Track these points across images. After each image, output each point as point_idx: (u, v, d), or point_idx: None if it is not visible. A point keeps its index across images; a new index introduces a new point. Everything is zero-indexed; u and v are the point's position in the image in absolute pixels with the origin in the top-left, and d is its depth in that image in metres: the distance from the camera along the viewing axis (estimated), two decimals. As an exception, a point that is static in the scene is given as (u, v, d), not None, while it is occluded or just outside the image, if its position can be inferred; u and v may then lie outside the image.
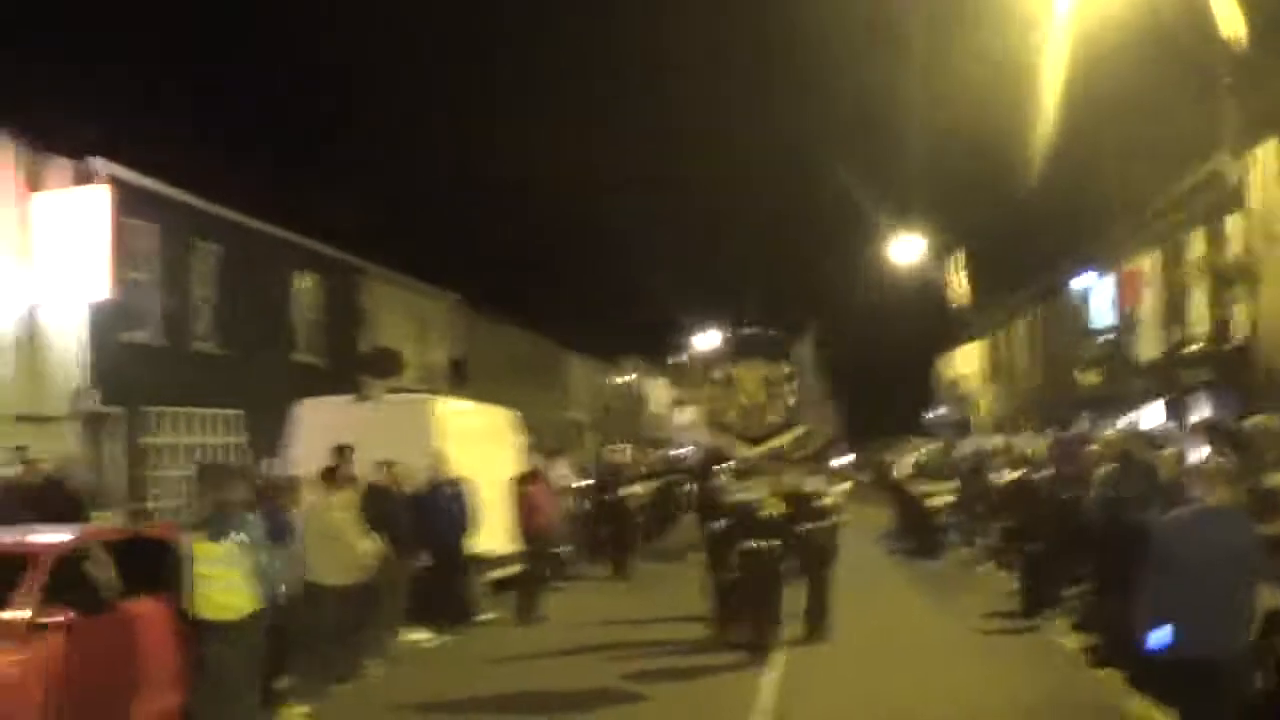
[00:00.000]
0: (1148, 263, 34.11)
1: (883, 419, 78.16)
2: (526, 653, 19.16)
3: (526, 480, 22.89)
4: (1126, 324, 34.49)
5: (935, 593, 25.21)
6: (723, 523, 19.11)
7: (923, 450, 37.14)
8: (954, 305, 58.92)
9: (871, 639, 19.78)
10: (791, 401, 19.50)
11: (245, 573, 12.69)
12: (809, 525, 19.29)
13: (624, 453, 31.38)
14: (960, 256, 57.28)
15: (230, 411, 31.36)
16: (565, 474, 29.47)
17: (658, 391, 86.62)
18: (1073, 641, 18.53)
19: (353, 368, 37.78)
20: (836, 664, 17.95)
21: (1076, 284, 38.35)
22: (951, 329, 67.12)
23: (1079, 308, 38.66)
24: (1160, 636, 10.09)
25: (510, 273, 57.29)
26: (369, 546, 17.39)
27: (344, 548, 16.86)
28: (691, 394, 22.84)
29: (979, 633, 20.15)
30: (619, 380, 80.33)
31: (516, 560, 23.69)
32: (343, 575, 16.77)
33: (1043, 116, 33.32)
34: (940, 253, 58.28)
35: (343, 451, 19.02)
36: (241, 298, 32.24)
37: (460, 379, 46.49)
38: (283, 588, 13.46)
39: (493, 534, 22.33)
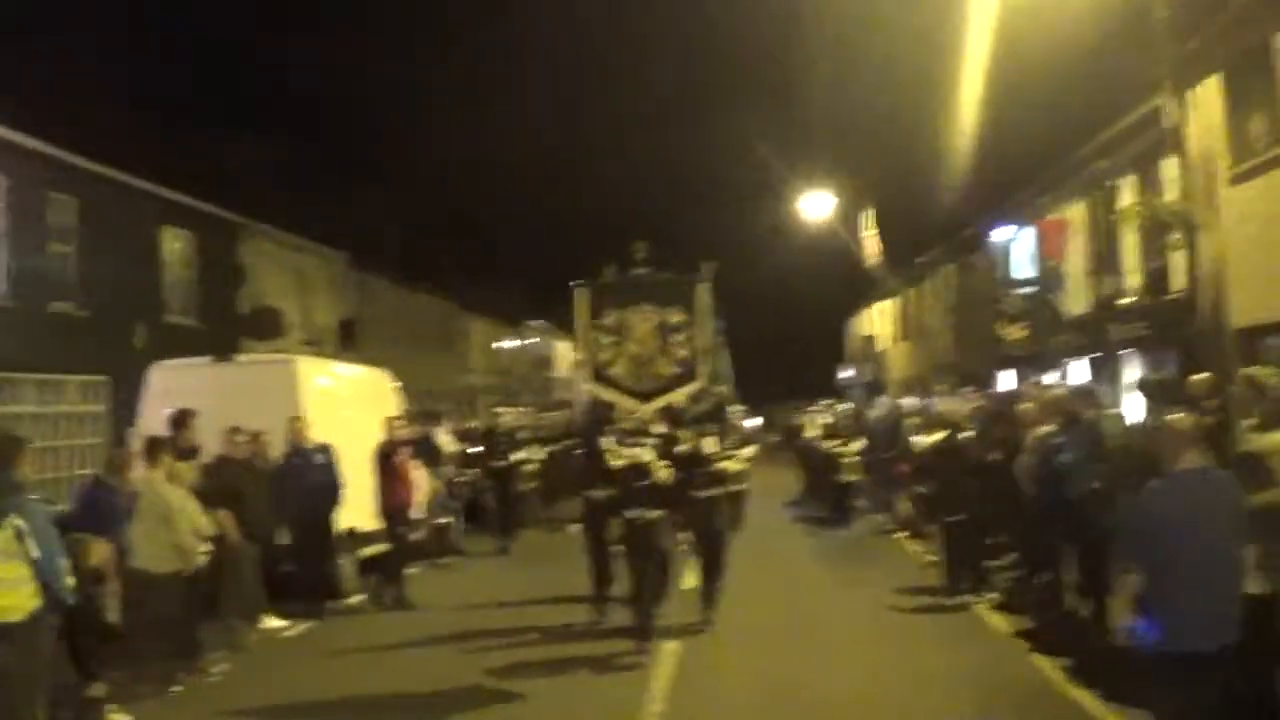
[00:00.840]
0: (1073, 212, 32.50)
1: (793, 380, 77.10)
2: (393, 642, 17.13)
3: (388, 450, 20.40)
4: (1050, 277, 32.71)
5: (846, 564, 23.60)
6: (603, 490, 17.26)
7: (836, 408, 35.39)
8: (865, 263, 57.08)
9: (775, 619, 18.06)
10: (686, 352, 17.52)
11: (27, 565, 10.47)
12: (705, 493, 17.48)
13: (513, 415, 28.70)
14: (871, 214, 55.42)
15: (91, 377, 29.25)
16: (448, 440, 27.24)
17: (562, 354, 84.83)
18: (1001, 622, 17.01)
19: (231, 329, 35.78)
20: (735, 649, 16.21)
21: (996, 235, 36.46)
22: (863, 288, 65.44)
23: (997, 260, 36.84)
24: (1145, 629, 8.68)
25: (405, 231, 54.71)
26: (200, 528, 15.24)
27: (173, 530, 14.65)
28: (576, 345, 20.34)
29: (896, 611, 18.38)
30: (521, 342, 78.31)
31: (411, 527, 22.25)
32: (172, 561, 14.65)
33: (963, 65, 32.00)
34: (851, 210, 56.42)
35: (183, 418, 17.23)
36: (103, 255, 29.95)
37: (349, 341, 44.59)
38: (70, 581, 11.10)
39: (364, 507, 20.50)
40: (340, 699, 14.13)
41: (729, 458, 18.23)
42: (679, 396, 17.80)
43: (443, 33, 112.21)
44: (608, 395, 17.94)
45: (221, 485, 16.83)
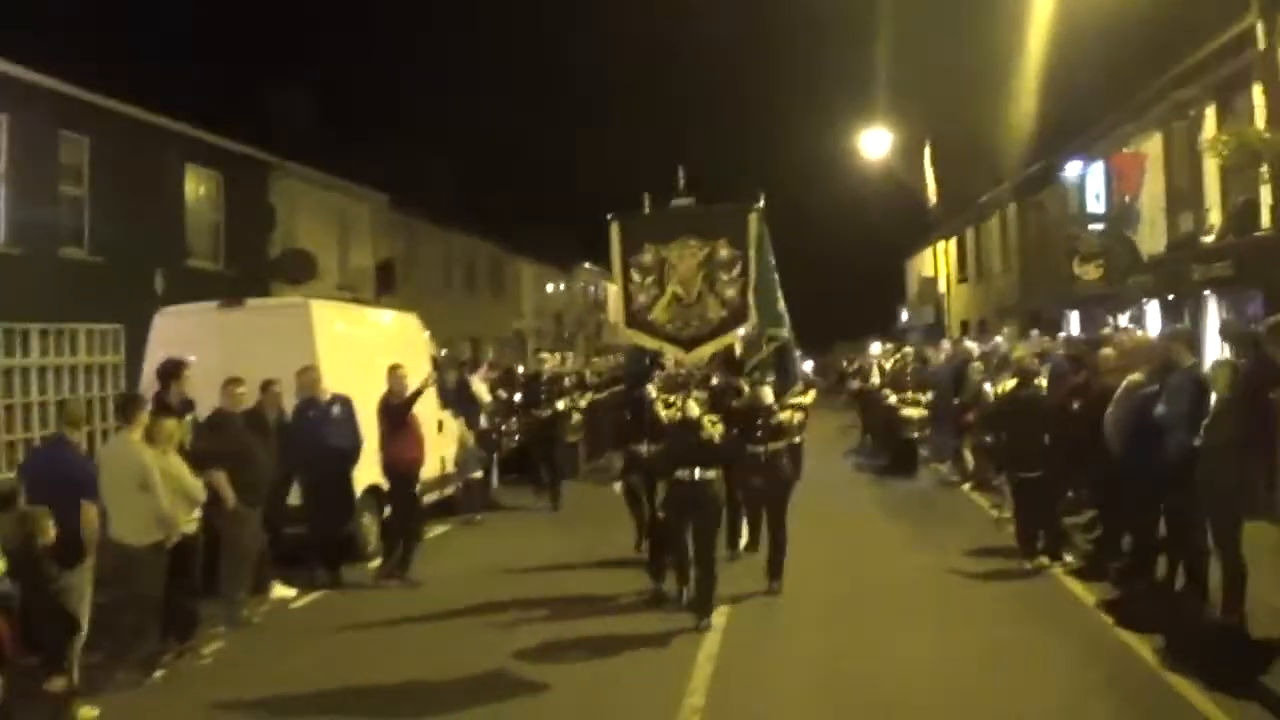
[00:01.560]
0: (1150, 145, 30.74)
1: (851, 321, 75.40)
2: (408, 614, 15.53)
3: (393, 402, 18.24)
4: (1125, 214, 30.89)
5: (910, 522, 21.83)
6: (648, 447, 15.87)
7: (897, 355, 33.59)
8: (926, 202, 55.26)
9: (834, 587, 16.52)
10: (735, 291, 15.67)
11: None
12: (763, 448, 15.96)
13: (557, 360, 26.78)
14: (930, 151, 53.58)
15: (106, 326, 27.79)
16: (483, 388, 25.61)
17: (615, 297, 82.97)
18: (1082, 591, 15.44)
19: (261, 274, 34.36)
20: (789, 624, 14.68)
21: (1067, 170, 34.59)
22: (923, 227, 63.52)
23: (1068, 197, 34.98)
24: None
25: (453, 172, 53.09)
26: (189, 492, 13.63)
27: (153, 496, 12.90)
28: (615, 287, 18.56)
29: (965, 576, 16.67)
30: (572, 286, 76.70)
31: (434, 488, 21.67)
32: (152, 532, 12.97)
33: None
34: (911, 148, 54.64)
35: (173, 369, 15.73)
36: (119, 197, 28.34)
37: (388, 286, 42.95)
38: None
39: None
40: (339, 688, 12.43)
41: (792, 408, 16.49)
42: (728, 341, 16.35)
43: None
44: (648, 342, 16.27)
45: (219, 443, 15.23)
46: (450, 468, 23.14)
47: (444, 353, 27.63)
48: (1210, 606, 13.34)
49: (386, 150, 46.97)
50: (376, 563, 18.59)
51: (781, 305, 16.60)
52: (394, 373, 18.04)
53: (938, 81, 57.17)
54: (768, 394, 16.09)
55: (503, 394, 27.23)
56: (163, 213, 31.02)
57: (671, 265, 15.80)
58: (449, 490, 23.31)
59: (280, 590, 16.63)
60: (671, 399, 15.01)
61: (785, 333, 16.54)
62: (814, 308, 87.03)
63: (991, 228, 52.99)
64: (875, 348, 39.82)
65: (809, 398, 25.94)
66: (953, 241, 60.52)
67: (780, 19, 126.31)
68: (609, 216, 16.21)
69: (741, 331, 16.16)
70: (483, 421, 24.96)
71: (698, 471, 14.24)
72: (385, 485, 18.81)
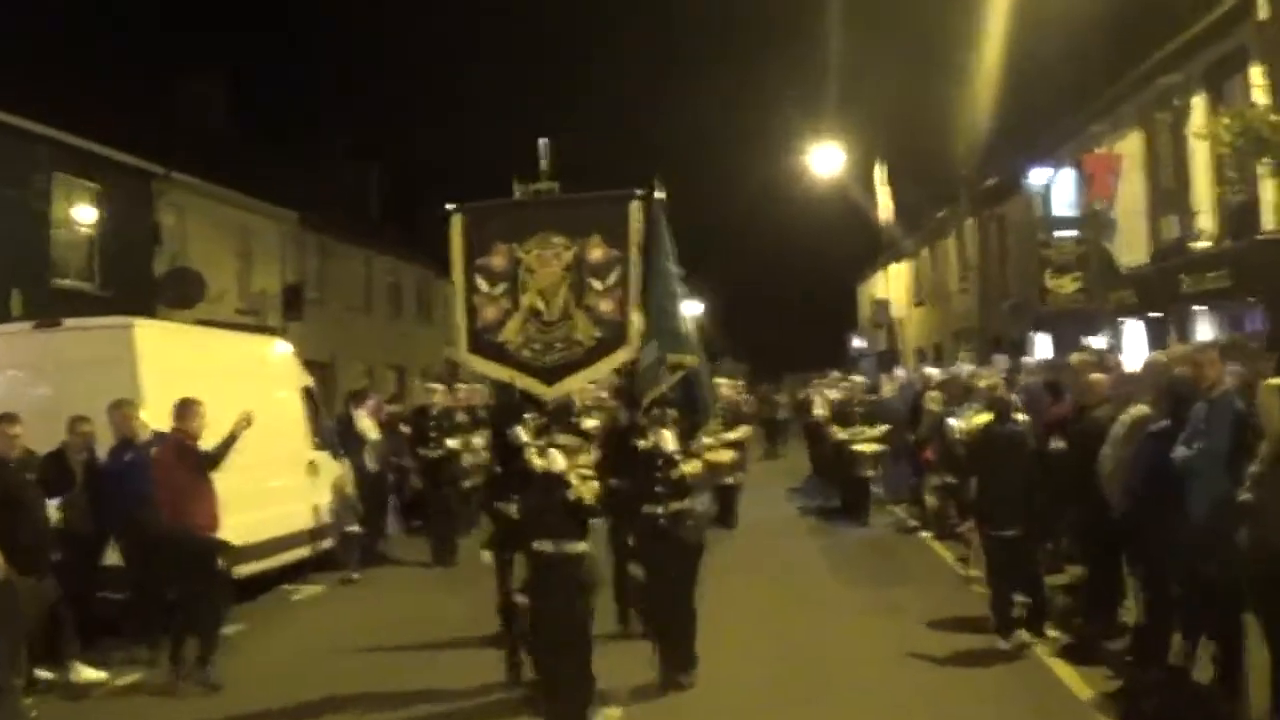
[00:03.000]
0: (1126, 144, 28.07)
1: (803, 349, 72.66)
2: (241, 708, 12.49)
3: (170, 445, 14.24)
4: (1100, 222, 28.06)
5: (862, 579, 18.73)
6: (514, 505, 12.11)
7: (846, 382, 30.27)
8: (878, 222, 52.56)
9: (766, 668, 13.34)
10: (612, 305, 12.19)
11: None
12: (661, 509, 12.54)
13: (443, 393, 23.15)
14: (883, 168, 50.79)
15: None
16: (369, 424, 22.54)
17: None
18: (1072, 677, 12.39)
19: (143, 295, 30.91)
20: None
21: (1033, 177, 31.79)
22: (875, 249, 61.24)
23: (1035, 205, 32.12)
24: None
25: (372, 187, 49.87)
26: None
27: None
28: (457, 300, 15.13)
29: (929, 659, 13.39)
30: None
31: (300, 543, 19.47)
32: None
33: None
34: (862, 165, 51.89)
35: None
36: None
37: (295, 310, 39.70)
38: None
39: (241, 511, 16.14)
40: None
41: (702, 456, 13.18)
42: (601, 371, 13.02)
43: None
44: (495, 372, 12.77)
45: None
46: (325, 518, 20.23)
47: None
48: (1249, 708, 10.11)
49: (298, 162, 43.89)
50: (231, 628, 15.56)
51: (687, 325, 13.31)
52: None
53: (889, 92, 55.18)
54: (668, 438, 12.61)
55: (406, 430, 23.77)
56: (23, 226, 27.71)
57: (528, 270, 12.38)
58: (324, 544, 20.30)
59: (86, 673, 13.46)
60: (534, 447, 11.58)
61: (691, 358, 13.11)
62: (764, 338, 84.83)
63: (948, 246, 50.64)
64: (826, 377, 36.49)
65: (741, 433, 22.85)
66: (906, 263, 58.26)
67: (720, 29, 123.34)
68: (449, 208, 12.83)
69: (614, 358, 12.60)
70: (368, 463, 21.88)
71: (562, 543, 10.92)
72: (241, 538, 16.16)
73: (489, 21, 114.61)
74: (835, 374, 34.66)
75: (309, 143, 48.56)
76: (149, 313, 27.29)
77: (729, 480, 24.14)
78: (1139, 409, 11.67)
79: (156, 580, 14.47)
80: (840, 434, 25.45)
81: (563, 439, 11.51)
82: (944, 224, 49.23)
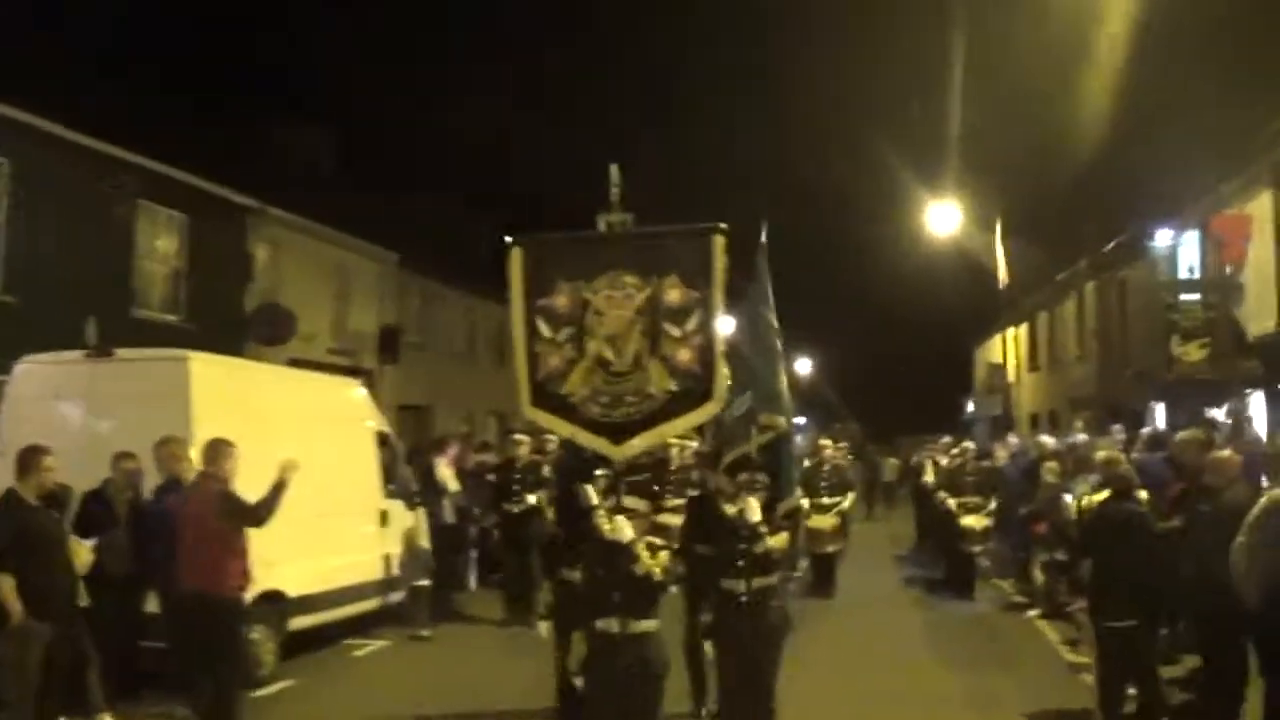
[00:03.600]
0: (1256, 205, 26.50)
1: (918, 412, 71.28)
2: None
3: (209, 491, 12.79)
4: (1225, 286, 26.54)
5: (961, 660, 17.30)
6: (577, 576, 10.98)
7: (957, 448, 28.78)
8: (996, 283, 51.07)
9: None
10: (691, 354, 10.57)
11: None
12: (744, 584, 11.16)
13: (531, 444, 21.95)
14: (1000, 227, 49.37)
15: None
16: (449, 474, 21.43)
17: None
18: None
19: (230, 330, 30.13)
20: None
21: (1158, 239, 30.36)
22: (993, 311, 59.33)
23: (1159, 268, 30.59)
24: None
25: (475, 232, 48.98)
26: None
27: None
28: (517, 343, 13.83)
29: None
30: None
31: (366, 595, 18.56)
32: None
33: (1106, 32, 26.49)
34: (980, 224, 50.42)
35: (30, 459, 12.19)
36: (45, 230, 24.37)
37: (391, 351, 38.80)
38: None
39: (296, 560, 15.96)
40: None
41: (788, 526, 11.83)
42: (678, 430, 11.41)
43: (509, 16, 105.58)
44: (559, 428, 11.32)
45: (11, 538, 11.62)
46: (395, 570, 19.21)
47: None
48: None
49: (403, 205, 43.07)
50: (278, 685, 15.23)
51: (782, 382, 12.07)
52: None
53: (1010, 149, 53.77)
54: (754, 507, 11.21)
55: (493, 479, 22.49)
56: (105, 254, 26.97)
57: (596, 313, 10.94)
58: (394, 597, 19.32)
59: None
60: (602, 514, 10.25)
61: (783, 421, 11.88)
62: (878, 400, 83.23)
63: (1066, 310, 49.07)
64: (937, 441, 35.03)
65: (848, 500, 21.64)
66: (1024, 327, 56.90)
67: (833, 78, 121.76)
68: (507, 240, 11.41)
69: (697, 415, 10.93)
70: (448, 515, 20.98)
71: (628, 622, 9.69)
72: (295, 589, 16.11)
73: (611, 69, 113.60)
74: (946, 439, 33.08)
75: (418, 188, 47.82)
76: (237, 349, 27.45)
77: (830, 548, 23.44)
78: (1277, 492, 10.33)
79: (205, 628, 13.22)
80: (949, 502, 24.02)
81: (630, 502, 10.21)
82: (1064, 286, 47.73)
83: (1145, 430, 23.28)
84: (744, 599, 11.12)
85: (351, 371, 30.39)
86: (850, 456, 34.39)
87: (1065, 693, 14.65)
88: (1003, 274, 50.44)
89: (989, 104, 54.15)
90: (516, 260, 11.14)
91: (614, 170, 10.81)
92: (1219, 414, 24.50)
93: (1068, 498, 16.98)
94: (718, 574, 11.35)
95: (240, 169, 31.63)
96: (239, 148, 33.67)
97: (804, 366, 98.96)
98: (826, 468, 24.20)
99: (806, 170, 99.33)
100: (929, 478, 27.98)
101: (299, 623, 16.43)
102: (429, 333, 44.35)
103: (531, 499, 20.34)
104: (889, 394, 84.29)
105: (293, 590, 16.01)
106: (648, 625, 9.68)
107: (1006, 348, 58.19)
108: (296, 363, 27.87)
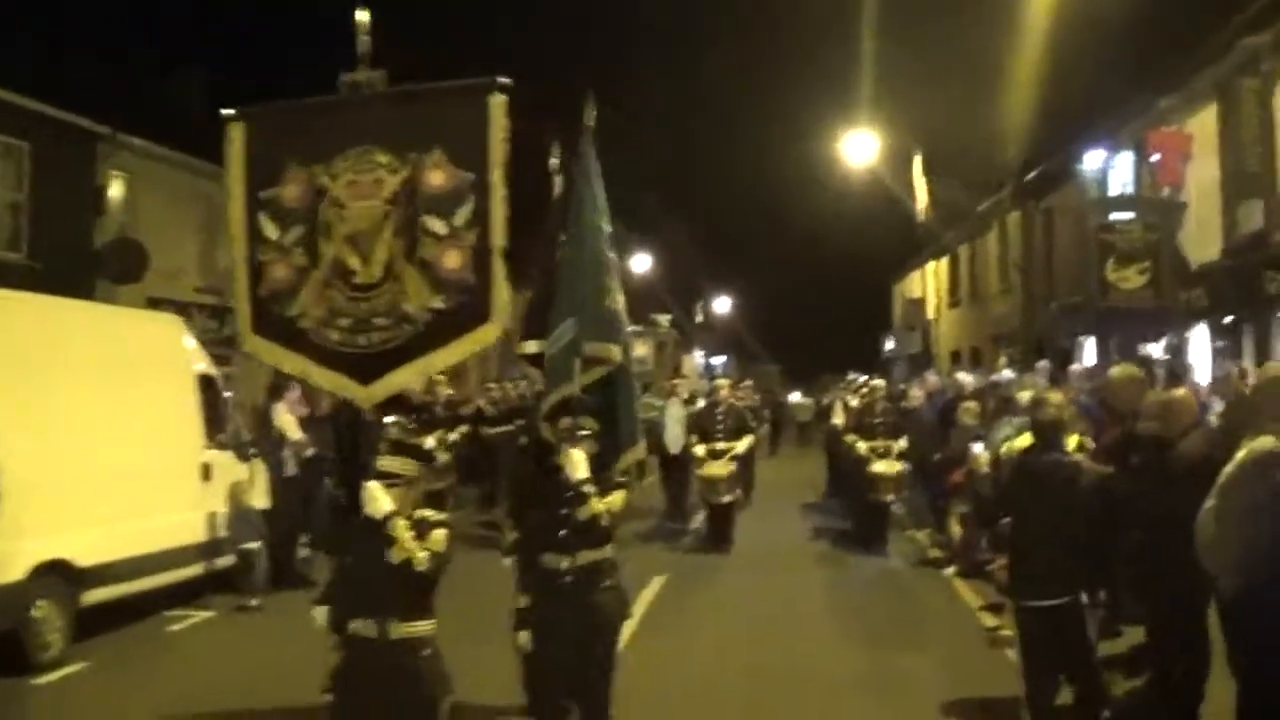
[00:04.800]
0: (1196, 122, 24.56)
1: (837, 350, 69.70)
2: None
3: None
4: (1166, 208, 24.48)
5: (869, 630, 15.28)
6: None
7: (866, 388, 26.45)
8: (915, 215, 49.15)
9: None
10: (459, 260, 8.04)
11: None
12: (566, 561, 8.88)
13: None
14: (919, 157, 47.38)
15: None
16: (290, 421, 18.68)
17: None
18: None
19: (81, 269, 27.71)
20: None
21: (1088, 161, 28.38)
22: (913, 245, 57.73)
23: (1091, 191, 28.59)
24: None
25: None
26: None
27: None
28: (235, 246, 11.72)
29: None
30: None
31: (184, 561, 16.22)
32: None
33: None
34: (899, 155, 48.25)
35: None
36: None
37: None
38: None
39: (90, 527, 14.05)
40: None
41: (620, 485, 9.18)
42: (446, 361, 8.54)
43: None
44: (286, 362, 8.72)
45: None
46: (220, 531, 16.85)
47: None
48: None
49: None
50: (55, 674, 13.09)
51: (615, 301, 9.53)
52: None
53: (929, 76, 52.08)
54: (578, 463, 8.77)
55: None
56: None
57: (336, 205, 8.34)
58: (222, 561, 16.96)
59: None
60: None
61: (617, 351, 9.37)
62: (799, 339, 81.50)
63: (988, 242, 47.06)
64: (847, 381, 32.99)
65: (744, 445, 19.35)
66: (944, 260, 54.89)
67: (750, 9, 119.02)
68: (225, 113, 8.95)
69: (469, 341, 8.25)
70: (289, 467, 18.37)
71: (388, 624, 7.45)
72: (87, 558, 13.92)
73: None
74: (858, 377, 30.88)
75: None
76: (89, 289, 25.47)
77: (726, 498, 21.37)
78: (1263, 442, 7.96)
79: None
80: (859, 446, 21.76)
81: (391, 464, 7.69)
82: (985, 218, 45.87)
83: (1077, 368, 21.41)
84: (567, 579, 8.82)
85: (223, 310, 28.75)
86: (758, 396, 32.78)
87: (987, 674, 12.50)
88: (922, 206, 48.52)
89: (907, 24, 51.95)
90: (236, 139, 8.73)
91: (361, 15, 8.20)
92: (1156, 350, 22.54)
93: (978, 446, 14.56)
94: (536, 547, 9.04)
95: (93, 97, 29.27)
96: (93, 76, 31.34)
97: (722, 305, 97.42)
98: (720, 410, 22.05)
99: (716, 95, 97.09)
100: (839, 420, 25.66)
101: (96, 595, 14.27)
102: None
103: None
104: (809, 332, 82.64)
105: (85, 559, 13.91)
106: (411, 629, 7.49)
107: (926, 282, 56.70)
108: (157, 302, 26.74)
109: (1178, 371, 17.97)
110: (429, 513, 7.56)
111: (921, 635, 14.89)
